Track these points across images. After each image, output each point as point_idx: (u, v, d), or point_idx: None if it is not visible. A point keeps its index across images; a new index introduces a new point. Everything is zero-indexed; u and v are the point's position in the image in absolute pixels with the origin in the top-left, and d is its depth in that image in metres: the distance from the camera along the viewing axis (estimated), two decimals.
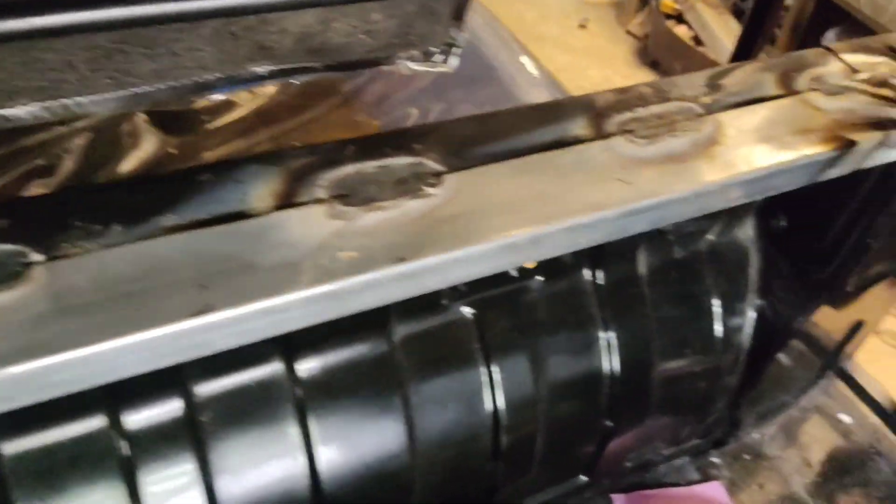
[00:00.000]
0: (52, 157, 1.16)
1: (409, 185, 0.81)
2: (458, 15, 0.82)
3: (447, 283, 0.80)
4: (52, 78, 0.70)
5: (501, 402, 1.23)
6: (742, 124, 0.98)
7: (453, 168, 0.84)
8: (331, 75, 0.82)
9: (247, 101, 1.22)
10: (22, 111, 0.70)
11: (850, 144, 0.98)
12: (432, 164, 0.84)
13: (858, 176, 1.17)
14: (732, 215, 1.35)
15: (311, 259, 0.73)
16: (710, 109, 0.99)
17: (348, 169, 0.81)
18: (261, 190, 0.78)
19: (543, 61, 4.58)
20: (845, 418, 1.73)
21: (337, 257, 0.73)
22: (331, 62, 0.78)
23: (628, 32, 4.96)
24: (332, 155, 0.82)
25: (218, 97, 0.96)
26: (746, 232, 1.38)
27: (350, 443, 1.14)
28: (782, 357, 1.49)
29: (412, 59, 0.85)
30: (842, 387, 1.75)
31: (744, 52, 2.66)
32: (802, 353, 1.57)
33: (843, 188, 1.21)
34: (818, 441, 1.70)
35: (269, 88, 1.25)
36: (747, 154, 0.94)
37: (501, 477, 1.29)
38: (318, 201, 0.78)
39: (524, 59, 1.76)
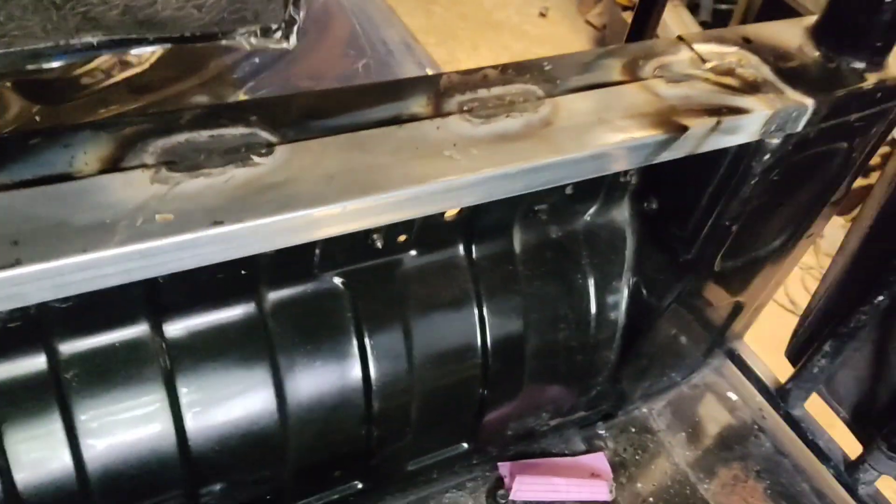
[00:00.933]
0: None
1: (238, 154, 0.86)
2: None
3: (267, 248, 0.85)
4: None
5: (373, 371, 1.29)
6: (578, 108, 1.04)
7: (286, 140, 0.89)
8: (170, 47, 0.86)
9: (118, 72, 1.26)
10: None
11: (682, 129, 1.04)
12: (265, 135, 0.89)
13: (712, 163, 1.23)
14: (608, 197, 1.41)
15: (127, 220, 0.77)
16: (551, 93, 1.05)
17: (180, 137, 0.86)
18: (89, 154, 0.82)
19: (499, 49, 4.60)
20: (732, 396, 1.81)
21: (153, 219, 0.78)
22: (162, 35, 0.83)
23: (587, 22, 5.01)
24: (167, 123, 0.87)
25: (94, 65, 1.00)
26: (622, 214, 1.44)
27: (219, 407, 1.19)
28: (666, 336, 1.56)
29: (251, 34, 0.89)
30: (731, 366, 1.83)
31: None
32: (688, 334, 1.64)
33: (701, 174, 1.28)
34: (704, 417, 1.78)
35: (146, 59, 1.29)
36: (577, 135, 1.00)
37: (376, 441, 1.34)
38: (144, 167, 0.83)
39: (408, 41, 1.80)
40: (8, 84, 1.17)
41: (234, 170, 0.85)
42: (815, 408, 1.72)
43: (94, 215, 0.77)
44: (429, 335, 1.32)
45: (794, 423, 1.70)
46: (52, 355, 1.05)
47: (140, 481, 1.15)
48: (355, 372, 1.28)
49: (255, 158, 0.87)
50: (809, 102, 1.14)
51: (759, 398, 1.78)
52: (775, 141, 1.17)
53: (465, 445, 1.51)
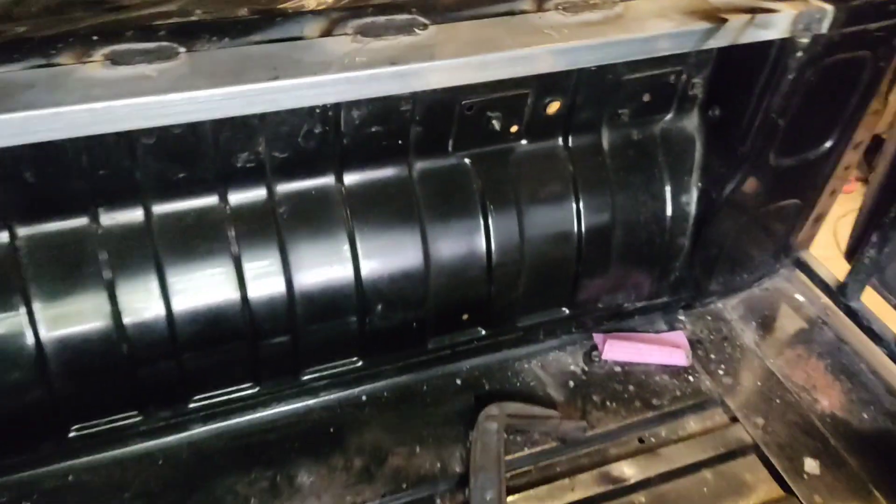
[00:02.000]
0: None
1: (405, 28, 1.30)
2: None
3: (425, 87, 1.28)
4: None
5: (493, 235, 1.69)
6: (643, 7, 1.43)
7: (435, 22, 1.33)
8: None
9: None
10: None
11: (723, 21, 1.41)
12: (422, 19, 1.33)
13: (759, 65, 1.59)
14: (679, 107, 1.77)
15: (338, 60, 1.22)
16: None
17: (368, 20, 1.31)
18: (312, 27, 1.28)
19: None
20: (800, 297, 2.11)
21: (354, 60, 1.23)
22: None
23: None
24: (359, 11, 1.32)
25: None
26: (692, 121, 1.80)
27: (382, 249, 1.62)
28: (732, 228, 1.89)
29: None
30: (798, 273, 2.12)
31: None
32: (753, 233, 1.96)
33: (751, 77, 1.63)
34: (773, 312, 2.08)
35: None
36: (641, 23, 1.38)
37: (495, 292, 1.74)
38: (345, 34, 1.28)
39: None
40: None
41: (404, 37, 1.29)
42: (872, 301, 1.98)
43: (319, 58, 1.22)
44: (535, 209, 1.72)
45: (853, 313, 1.98)
46: (271, 193, 1.52)
47: (330, 306, 1.60)
48: (480, 234, 1.68)
49: (417, 31, 1.30)
50: (829, 8, 1.48)
51: (824, 298, 2.07)
52: (805, 40, 1.51)
53: (566, 310, 1.88)
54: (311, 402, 1.74)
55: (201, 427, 1.66)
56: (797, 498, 1.66)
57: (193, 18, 1.25)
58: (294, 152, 1.47)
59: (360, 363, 1.73)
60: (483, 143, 1.65)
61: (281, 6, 1.31)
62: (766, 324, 2.04)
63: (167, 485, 1.59)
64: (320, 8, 1.32)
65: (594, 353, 1.91)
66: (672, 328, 2.01)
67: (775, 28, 1.47)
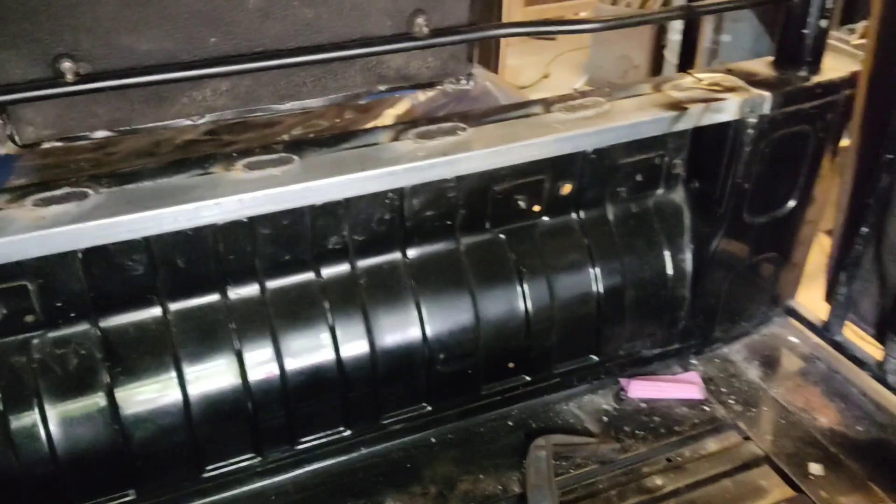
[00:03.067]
0: None
1: (450, 131, 1.78)
2: (470, 58, 1.81)
3: (468, 171, 1.74)
4: None
5: (528, 297, 2.10)
6: (625, 105, 1.91)
7: (472, 126, 1.81)
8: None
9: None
10: None
11: (685, 109, 1.89)
12: (461, 125, 1.81)
13: (721, 144, 2.04)
14: (667, 184, 2.22)
15: (406, 156, 1.70)
16: (610, 99, 1.92)
17: (422, 128, 1.79)
18: (383, 137, 1.77)
19: None
20: (794, 339, 2.47)
21: (417, 154, 1.70)
22: (405, 84, 1.79)
23: None
24: (416, 122, 1.81)
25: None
26: (679, 194, 2.24)
27: (441, 313, 2.02)
28: (723, 279, 2.29)
29: (451, 82, 1.84)
30: (789, 319, 2.50)
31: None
32: (744, 283, 2.36)
33: (717, 153, 2.08)
34: (772, 352, 2.44)
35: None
36: (625, 115, 1.86)
37: (534, 342, 2.14)
38: (408, 139, 1.76)
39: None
40: None
41: (449, 137, 1.77)
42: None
43: (392, 156, 1.70)
44: (560, 273, 2.13)
45: (839, 346, 2.33)
46: (354, 270, 1.95)
47: (404, 359, 2.00)
48: (517, 295, 2.09)
49: (459, 132, 1.78)
50: (767, 94, 1.96)
51: (814, 337, 2.43)
52: (753, 120, 1.98)
53: (594, 358, 2.26)
54: (389, 444, 2.09)
55: (305, 468, 2.01)
56: (807, 495, 1.97)
57: (301, 136, 1.74)
58: (370, 235, 1.92)
59: (428, 408, 2.10)
60: (513, 220, 2.09)
61: (361, 126, 1.80)
62: (766, 362, 2.40)
63: None
64: (388, 123, 1.82)
65: (622, 392, 2.27)
66: (686, 371, 2.36)
67: (727, 112, 1.94)
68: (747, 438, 2.15)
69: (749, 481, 2.04)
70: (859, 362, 2.28)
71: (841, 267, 2.25)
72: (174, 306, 1.81)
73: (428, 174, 1.71)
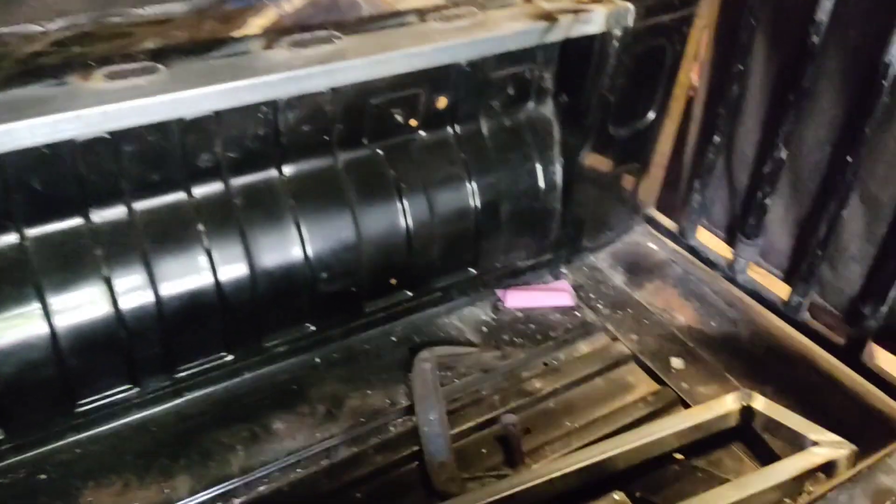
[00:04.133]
0: None
1: (325, 40, 1.72)
2: None
3: (345, 81, 1.69)
4: None
5: (409, 211, 2.10)
6: (499, 15, 1.91)
7: (348, 35, 1.75)
8: None
9: None
10: None
11: (555, 19, 1.92)
12: (336, 33, 1.75)
13: (587, 57, 2.09)
14: (537, 97, 2.26)
15: (281, 65, 1.63)
16: (484, 9, 1.92)
17: (296, 36, 1.72)
18: (255, 45, 1.69)
19: None
20: (653, 246, 2.62)
21: (293, 64, 1.64)
22: None
23: None
24: (289, 30, 1.73)
25: None
26: (549, 108, 2.29)
27: (321, 228, 1.99)
28: (591, 191, 2.38)
29: None
30: (648, 227, 2.64)
31: None
32: (609, 195, 2.46)
33: (583, 67, 2.13)
34: (634, 259, 2.58)
35: None
36: (500, 25, 1.86)
37: (415, 258, 2.15)
38: (282, 48, 1.68)
39: None
40: None
41: (326, 46, 1.71)
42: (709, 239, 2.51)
43: (266, 65, 1.63)
44: (438, 188, 2.14)
45: (693, 250, 2.50)
46: (228, 189, 1.87)
47: (285, 279, 1.95)
48: (397, 211, 2.08)
49: (335, 41, 1.73)
50: (631, 6, 2.02)
51: (671, 244, 2.59)
52: (618, 32, 2.04)
53: (473, 271, 2.30)
54: (274, 367, 2.06)
55: (186, 396, 1.95)
56: (670, 387, 2.12)
57: (166, 44, 1.63)
58: (243, 151, 1.84)
59: (312, 328, 2.08)
60: (390, 135, 2.06)
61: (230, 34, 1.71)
62: (629, 268, 2.54)
63: (161, 445, 1.87)
64: (260, 31, 1.73)
65: (499, 303, 2.34)
66: (557, 279, 2.46)
67: (595, 23, 1.99)
68: (615, 339, 2.28)
69: (618, 378, 2.17)
70: (711, 264, 2.45)
71: (694, 175, 2.40)
72: (32, 232, 1.67)
73: (305, 84, 1.65)
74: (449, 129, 2.16)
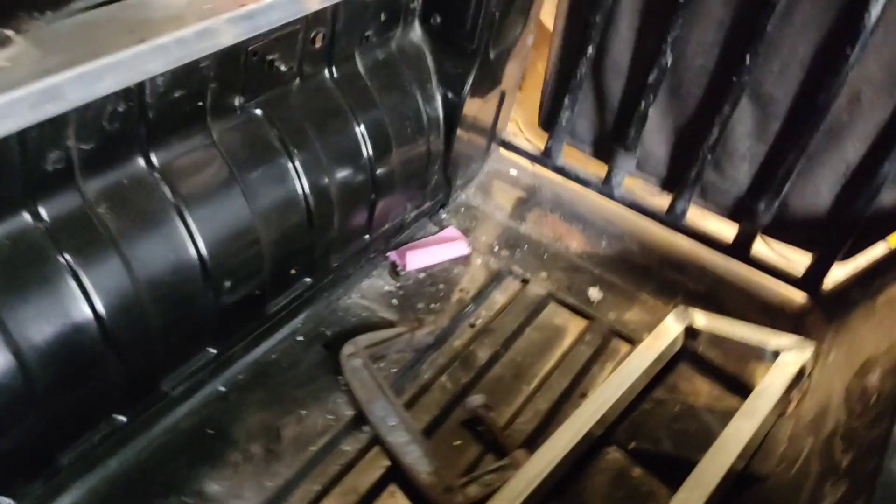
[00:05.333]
0: None
1: None
2: None
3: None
4: None
5: (304, 179, 1.67)
6: None
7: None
8: None
9: None
10: None
11: None
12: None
13: None
14: (405, 22, 1.91)
15: (191, 14, 1.12)
16: None
17: None
18: None
19: None
20: (513, 171, 2.44)
21: (202, 10, 1.14)
22: None
23: None
24: None
25: None
26: (416, 33, 1.96)
27: (212, 220, 1.49)
28: (470, 124, 2.12)
29: None
30: (505, 152, 2.45)
31: None
32: (479, 124, 2.21)
33: None
34: (502, 189, 2.39)
35: None
36: None
37: (316, 240, 1.74)
38: None
39: None
40: None
41: None
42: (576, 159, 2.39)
43: (166, 15, 1.11)
44: (329, 142, 1.73)
45: (561, 171, 2.37)
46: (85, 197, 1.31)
47: (181, 295, 1.45)
48: (292, 178, 1.64)
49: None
50: None
51: (533, 166, 2.43)
52: None
53: (367, 237, 1.95)
54: (176, 413, 1.57)
55: (77, 489, 1.40)
56: (599, 319, 2.01)
57: None
58: (101, 138, 1.29)
59: (213, 352, 1.61)
60: (266, 88, 1.60)
61: None
62: (502, 200, 2.35)
63: None
64: None
65: (398, 269, 2.02)
66: (441, 226, 2.19)
67: None
68: (525, 281, 2.10)
69: (546, 323, 2.00)
70: (584, 182, 2.35)
71: (564, 92, 2.24)
72: None
73: (229, 34, 1.16)
74: (326, 74, 1.74)
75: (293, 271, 1.75)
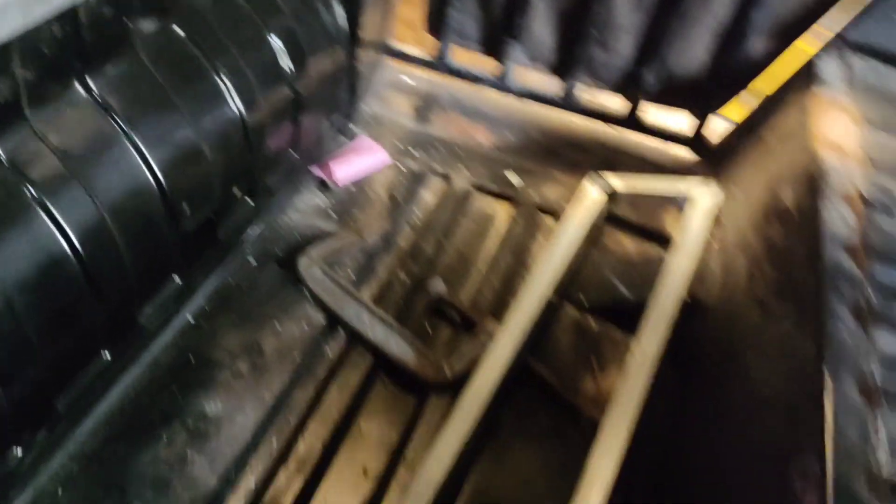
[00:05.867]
0: None
1: None
2: None
3: None
4: None
5: (237, 101, 1.61)
6: None
7: None
8: None
9: None
10: None
11: None
12: None
13: None
14: None
15: None
16: None
17: None
18: None
19: None
20: (409, 80, 2.48)
21: None
22: None
23: None
24: None
25: None
26: None
27: (156, 133, 1.43)
28: (363, 44, 2.13)
29: None
30: (395, 62, 2.48)
31: None
32: (371, 43, 2.23)
33: None
34: (402, 96, 2.43)
35: None
36: None
37: (252, 160, 1.72)
38: None
39: None
40: None
41: None
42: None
43: None
44: (248, 55, 1.67)
45: (455, 72, 2.44)
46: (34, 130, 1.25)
47: (144, 222, 1.41)
48: (224, 96, 1.59)
49: None
50: None
51: (426, 73, 2.48)
52: None
53: (294, 154, 1.94)
54: (154, 351, 1.54)
55: (79, 433, 1.36)
56: (520, 202, 2.12)
57: None
58: (42, 68, 1.23)
59: (179, 282, 1.58)
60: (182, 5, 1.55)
61: None
62: (404, 108, 2.40)
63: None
64: None
65: (332, 182, 2.03)
66: (352, 136, 2.21)
67: None
68: (447, 178, 2.17)
69: (478, 211, 2.10)
70: (478, 79, 2.43)
71: None
72: None
73: None
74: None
75: (238, 193, 1.73)
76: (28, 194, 1.21)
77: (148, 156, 1.41)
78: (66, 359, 1.31)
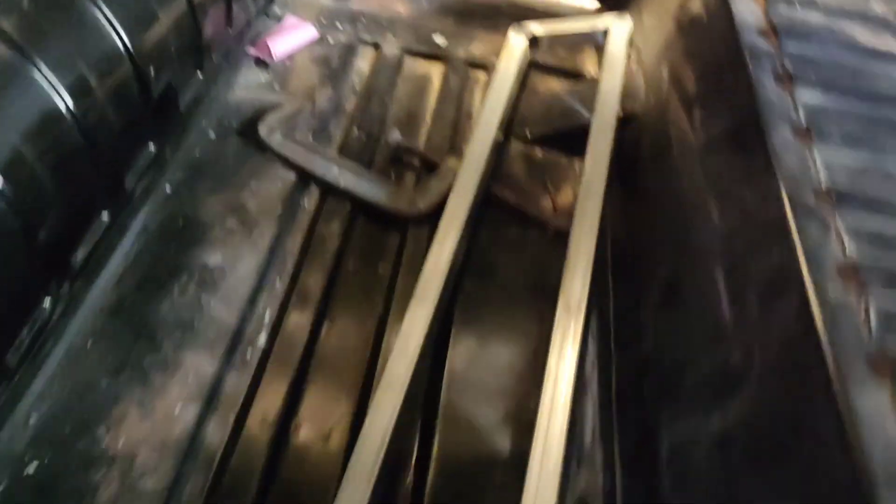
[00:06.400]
0: None
1: None
2: None
3: None
4: None
5: None
6: None
7: None
8: None
9: None
10: None
11: None
12: None
13: None
14: None
15: None
16: None
17: None
18: None
19: None
20: None
21: None
22: None
23: None
24: None
25: None
26: None
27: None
28: None
29: None
30: None
31: None
32: None
33: None
34: None
35: None
36: None
37: (199, 31, 1.76)
38: None
39: None
40: None
41: None
42: None
43: None
44: None
45: None
46: None
47: (116, 87, 1.44)
48: None
49: None
50: None
51: None
52: None
53: (230, 32, 1.98)
54: (142, 220, 1.59)
55: (91, 291, 1.42)
56: (452, 58, 2.23)
57: None
58: None
59: (153, 150, 1.63)
60: None
61: None
62: None
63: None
64: None
65: (269, 59, 2.08)
66: (279, 19, 2.25)
67: None
68: (377, 45, 2.25)
69: (413, 73, 2.20)
70: None
71: None
72: None
73: None
74: None
75: (191, 64, 1.77)
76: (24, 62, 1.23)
77: (113, 20, 1.44)
78: (76, 211, 1.36)
